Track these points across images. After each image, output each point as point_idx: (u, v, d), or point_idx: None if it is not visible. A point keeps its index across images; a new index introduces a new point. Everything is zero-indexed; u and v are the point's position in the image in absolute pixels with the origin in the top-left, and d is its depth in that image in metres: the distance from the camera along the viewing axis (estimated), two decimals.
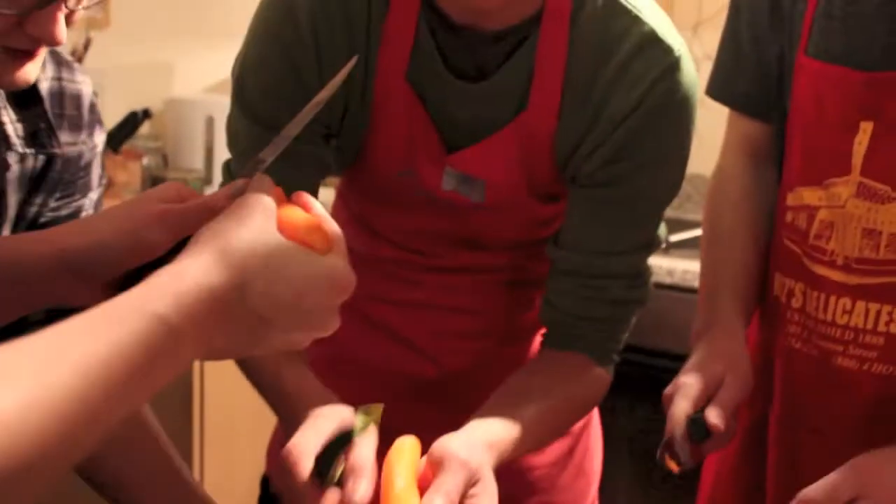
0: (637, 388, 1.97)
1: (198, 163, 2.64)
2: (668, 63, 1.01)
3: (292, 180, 1.04)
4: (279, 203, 0.66)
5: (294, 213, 0.67)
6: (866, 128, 1.06)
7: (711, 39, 2.94)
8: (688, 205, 3.21)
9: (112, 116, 2.48)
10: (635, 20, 1.01)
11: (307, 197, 0.71)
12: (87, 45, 2.23)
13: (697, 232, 2.78)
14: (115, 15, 2.54)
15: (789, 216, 1.14)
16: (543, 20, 1.01)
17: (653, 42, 1.01)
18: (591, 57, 1.01)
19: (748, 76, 1.21)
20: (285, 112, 1.02)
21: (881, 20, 1.07)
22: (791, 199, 1.14)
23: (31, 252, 0.72)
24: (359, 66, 1.01)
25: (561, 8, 1.01)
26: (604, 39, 1.01)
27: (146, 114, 2.41)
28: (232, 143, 1.10)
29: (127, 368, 0.53)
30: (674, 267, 2.53)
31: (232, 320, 0.60)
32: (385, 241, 1.15)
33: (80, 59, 2.23)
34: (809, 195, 1.12)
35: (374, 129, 1.06)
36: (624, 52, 1.01)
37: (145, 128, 2.52)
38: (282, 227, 0.64)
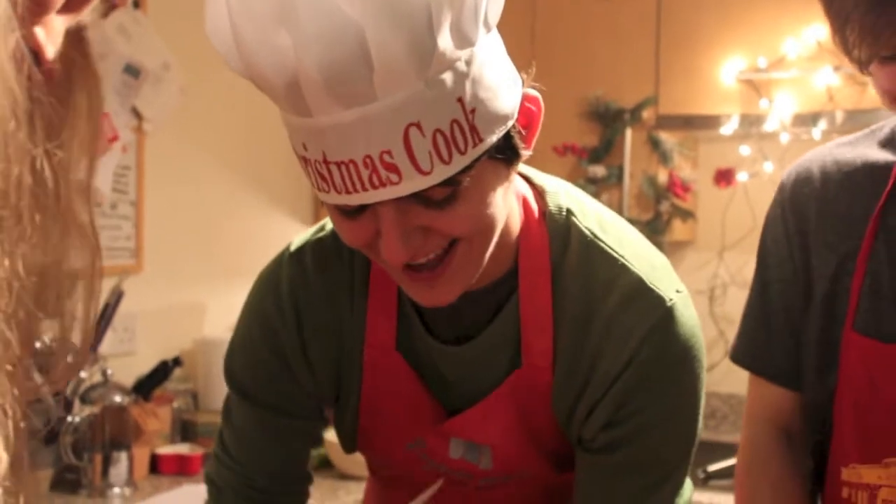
0: None
1: None
2: (660, 315, 0.95)
3: (282, 453, 1.08)
4: None
5: None
6: None
7: (736, 261, 2.97)
8: (724, 426, 3.15)
9: (143, 362, 2.50)
10: (622, 269, 0.96)
11: None
12: (119, 298, 2.27)
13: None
14: (147, 259, 2.60)
15: (845, 492, 1.11)
16: (521, 276, 0.97)
17: (641, 293, 0.95)
18: (578, 309, 0.96)
19: (779, 347, 1.19)
20: (271, 391, 1.06)
21: None
22: (847, 475, 1.11)
23: None
24: (347, 338, 1.03)
25: (538, 261, 0.97)
26: (590, 291, 0.96)
27: (176, 362, 2.42)
28: (224, 416, 1.12)
29: None
30: (713, 502, 2.43)
31: None
32: None
33: (111, 313, 2.25)
34: (868, 473, 1.09)
35: (372, 403, 1.05)
36: (612, 304, 0.95)
37: (175, 371, 2.53)
38: None
